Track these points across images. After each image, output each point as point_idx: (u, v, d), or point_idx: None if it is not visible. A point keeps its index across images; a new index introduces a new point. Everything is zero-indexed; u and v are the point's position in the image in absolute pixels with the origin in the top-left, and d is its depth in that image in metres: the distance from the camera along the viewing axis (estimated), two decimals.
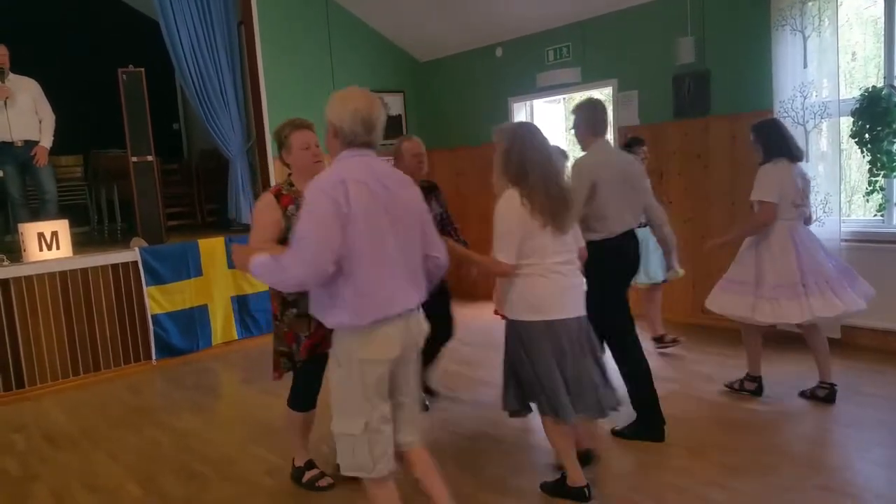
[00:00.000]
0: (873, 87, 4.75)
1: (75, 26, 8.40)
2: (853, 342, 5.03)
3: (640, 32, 6.13)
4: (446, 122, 8.06)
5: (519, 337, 3.03)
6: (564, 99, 7.45)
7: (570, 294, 3.03)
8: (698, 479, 3.28)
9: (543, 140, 3.06)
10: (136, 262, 5.82)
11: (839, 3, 4.91)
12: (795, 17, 5.02)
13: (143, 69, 6.16)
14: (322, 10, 7.38)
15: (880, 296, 4.88)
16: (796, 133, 5.09)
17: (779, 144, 4.05)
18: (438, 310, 4.29)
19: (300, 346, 3.21)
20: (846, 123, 4.93)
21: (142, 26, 8.47)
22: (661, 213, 3.97)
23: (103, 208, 7.83)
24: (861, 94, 4.76)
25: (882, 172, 4.75)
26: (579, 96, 7.51)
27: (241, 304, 6.39)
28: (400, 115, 8.07)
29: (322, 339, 3.11)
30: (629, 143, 5.11)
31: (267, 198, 3.15)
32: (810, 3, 4.95)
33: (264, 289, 6.36)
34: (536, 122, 7.32)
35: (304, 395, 3.39)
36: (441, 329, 4.13)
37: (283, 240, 3.01)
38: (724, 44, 5.59)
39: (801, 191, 4.05)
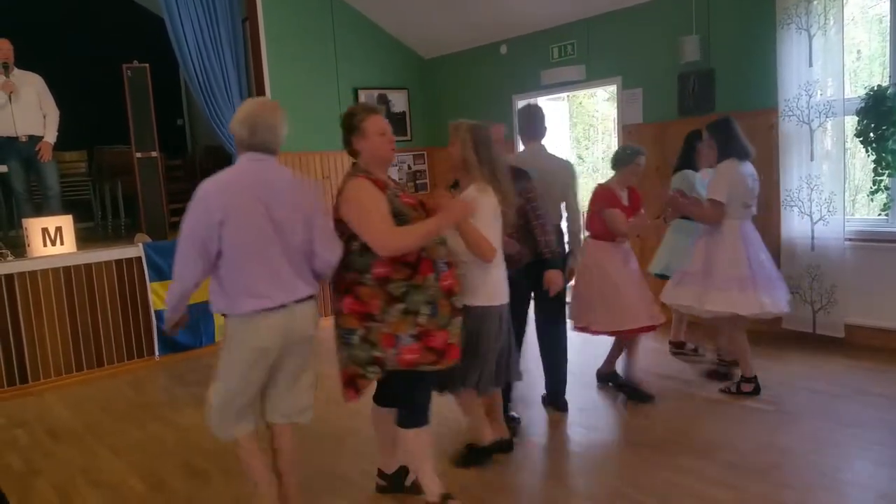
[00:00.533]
0: (878, 86, 4.73)
1: (80, 22, 8.40)
2: (857, 342, 5.02)
3: (645, 30, 6.12)
4: (450, 119, 8.02)
5: (486, 322, 3.20)
6: (568, 97, 7.45)
7: (506, 281, 3.34)
8: (702, 477, 3.28)
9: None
10: (139, 258, 5.84)
11: (844, 2, 4.90)
12: (801, 15, 5.01)
13: (147, 65, 6.17)
14: (327, 7, 7.38)
15: (884, 295, 4.90)
16: (801, 132, 5.11)
17: (732, 144, 4.21)
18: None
19: (399, 352, 2.79)
20: (851, 122, 4.92)
21: (146, 22, 8.48)
22: (574, 215, 4.21)
23: (107, 204, 7.85)
24: (866, 93, 4.74)
25: (887, 172, 4.73)
26: (584, 94, 7.51)
27: None
28: (404, 112, 8.07)
29: (427, 353, 2.84)
30: (690, 137, 4.86)
31: (364, 182, 2.82)
32: (815, 2, 4.93)
33: None
34: None
35: (426, 407, 3.03)
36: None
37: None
38: (729, 42, 5.58)
39: (751, 191, 4.19)
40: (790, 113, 5.17)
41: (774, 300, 4.15)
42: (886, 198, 4.90)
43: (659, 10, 6.00)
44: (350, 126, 2.93)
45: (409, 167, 8.17)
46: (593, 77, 6.60)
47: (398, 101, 8.03)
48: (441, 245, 2.91)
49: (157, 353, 5.91)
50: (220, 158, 7.73)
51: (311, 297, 2.79)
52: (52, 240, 5.57)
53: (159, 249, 5.92)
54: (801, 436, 3.68)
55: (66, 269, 5.53)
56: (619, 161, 4.32)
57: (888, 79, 4.83)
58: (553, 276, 3.73)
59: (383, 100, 7.90)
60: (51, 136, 6.04)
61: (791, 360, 4.81)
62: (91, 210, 7.96)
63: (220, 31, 6.82)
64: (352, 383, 2.88)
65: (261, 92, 7.01)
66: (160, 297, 5.88)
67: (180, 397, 5.06)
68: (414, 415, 2.95)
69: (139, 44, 7.01)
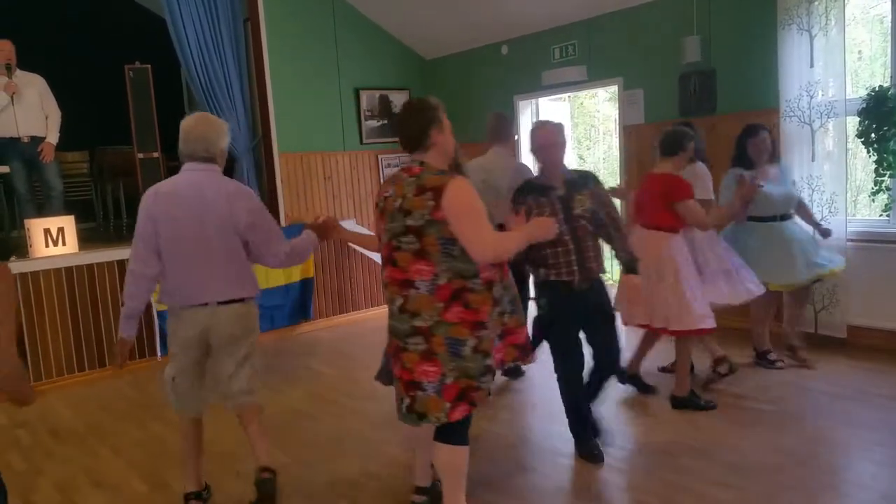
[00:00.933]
0: (880, 86, 4.73)
1: (81, 23, 8.41)
2: (859, 342, 5.01)
3: (647, 31, 6.12)
4: (452, 120, 8.00)
5: None
6: (570, 97, 7.46)
7: None
8: (704, 478, 3.29)
9: None
10: None
11: (846, 2, 4.89)
12: (802, 16, 5.01)
13: (149, 65, 6.17)
14: (328, 8, 7.38)
15: (886, 296, 4.90)
16: (803, 132, 5.11)
17: (699, 148, 4.43)
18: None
19: (494, 354, 2.74)
20: (852, 123, 4.92)
21: (148, 23, 8.49)
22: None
23: (109, 204, 7.86)
24: (867, 94, 4.74)
25: (888, 172, 4.73)
26: (585, 94, 7.51)
27: None
28: None
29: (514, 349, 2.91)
30: (745, 132, 4.69)
31: (466, 182, 2.68)
32: (816, 3, 4.93)
33: (270, 286, 6.41)
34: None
35: (469, 424, 2.83)
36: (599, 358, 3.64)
37: None
38: (730, 43, 5.58)
39: None
40: (791, 113, 5.16)
41: (756, 283, 4.28)
42: (888, 198, 4.90)
43: (660, 10, 6.00)
44: (431, 118, 2.73)
45: None
46: (594, 78, 6.60)
47: (399, 102, 8.02)
48: None
49: (158, 352, 5.91)
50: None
51: (238, 301, 3.05)
52: (53, 240, 5.58)
53: None
54: (804, 436, 3.68)
55: (69, 270, 5.54)
56: (679, 144, 4.07)
57: (889, 79, 4.83)
58: (637, 281, 3.57)
59: (385, 100, 7.91)
60: (53, 137, 6.05)
61: (793, 360, 4.80)
62: (93, 210, 7.97)
63: (222, 32, 6.83)
64: (464, 397, 2.64)
65: (262, 92, 7.02)
66: None
67: None
68: (458, 430, 2.78)
69: (141, 44, 7.01)
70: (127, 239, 6.50)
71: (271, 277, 6.51)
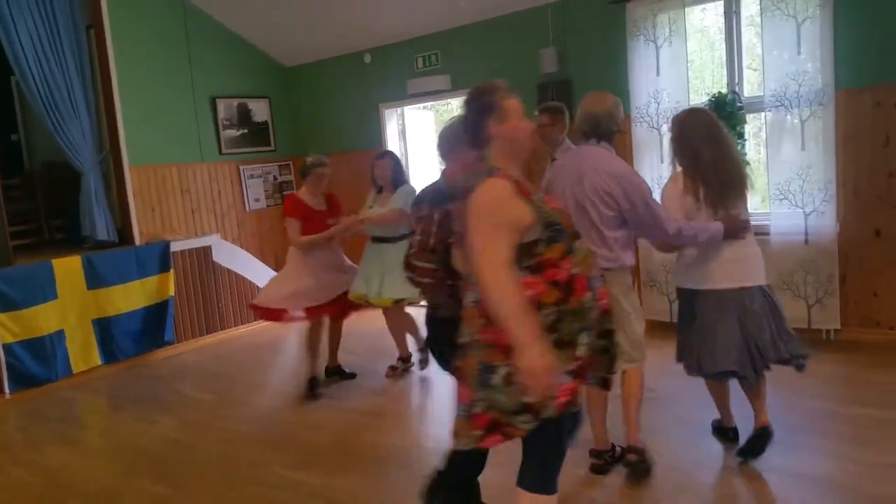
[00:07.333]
0: (719, 92, 5.19)
1: None
2: None
3: (506, 42, 6.34)
4: (317, 127, 7.95)
5: None
6: (433, 105, 7.57)
7: None
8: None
9: None
10: None
11: (686, 16, 5.33)
12: (648, 28, 5.40)
13: None
14: (178, 13, 7.05)
15: None
16: (651, 137, 5.50)
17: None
18: None
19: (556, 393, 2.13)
20: None
21: None
22: None
23: None
24: (708, 100, 5.18)
25: None
26: (447, 103, 7.66)
27: (104, 328, 5.94)
28: (266, 122, 7.85)
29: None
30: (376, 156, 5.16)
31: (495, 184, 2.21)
32: (661, 16, 5.34)
33: (130, 309, 6.01)
34: (408, 129, 7.44)
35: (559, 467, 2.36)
36: None
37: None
38: (584, 53, 5.90)
39: None
40: (641, 119, 5.54)
41: None
42: None
43: (517, 23, 6.24)
44: (482, 106, 2.31)
45: (276, 178, 7.96)
46: (458, 87, 6.73)
47: (259, 111, 7.80)
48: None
49: (7, 390, 5.35)
50: (63, 174, 7.17)
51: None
52: None
53: (3, 277, 5.37)
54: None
55: None
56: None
57: (726, 86, 5.31)
58: None
59: (244, 108, 7.66)
60: None
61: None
62: None
63: (62, 39, 6.33)
64: (496, 429, 2.20)
65: (109, 103, 6.58)
66: (8, 329, 5.33)
67: (40, 436, 4.62)
68: (546, 478, 2.31)
69: None
70: None
71: (129, 300, 6.09)
